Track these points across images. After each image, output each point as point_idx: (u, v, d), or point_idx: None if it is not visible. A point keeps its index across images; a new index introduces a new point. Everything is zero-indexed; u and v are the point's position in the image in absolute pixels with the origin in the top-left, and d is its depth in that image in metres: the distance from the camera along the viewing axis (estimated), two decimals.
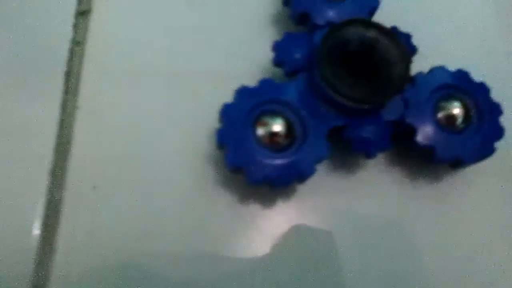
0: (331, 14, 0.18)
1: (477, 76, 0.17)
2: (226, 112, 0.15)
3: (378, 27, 0.16)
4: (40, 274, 0.15)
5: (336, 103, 0.16)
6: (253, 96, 0.16)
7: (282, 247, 0.16)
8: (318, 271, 0.16)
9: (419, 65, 0.18)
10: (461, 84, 0.17)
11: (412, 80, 0.17)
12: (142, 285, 0.15)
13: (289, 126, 0.16)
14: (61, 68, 0.17)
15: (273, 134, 0.16)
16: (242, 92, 0.16)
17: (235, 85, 0.16)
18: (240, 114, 0.15)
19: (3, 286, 0.15)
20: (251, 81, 0.16)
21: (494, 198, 0.18)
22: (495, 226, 0.18)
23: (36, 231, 0.15)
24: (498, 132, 0.17)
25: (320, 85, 0.16)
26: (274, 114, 0.16)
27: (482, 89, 0.17)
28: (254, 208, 0.17)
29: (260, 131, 0.15)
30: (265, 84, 0.16)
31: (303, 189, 0.17)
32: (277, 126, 0.16)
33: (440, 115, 0.17)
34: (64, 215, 0.16)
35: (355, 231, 0.17)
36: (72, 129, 0.16)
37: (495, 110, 0.17)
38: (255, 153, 0.15)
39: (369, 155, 0.16)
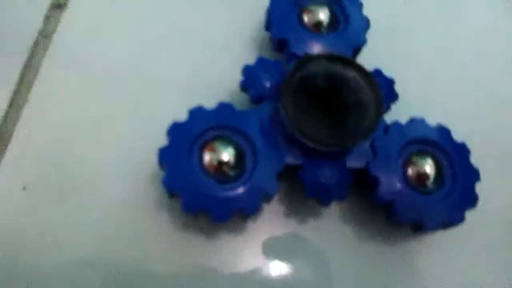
0: (311, 45, 0.16)
1: (459, 135, 0.16)
2: (174, 130, 0.14)
3: (355, 65, 0.15)
4: None
5: (295, 140, 0.14)
6: (207, 119, 0.15)
7: (213, 281, 0.15)
8: None
9: (400, 113, 0.16)
10: (439, 141, 0.16)
11: (387, 127, 0.16)
12: None
13: (239, 157, 0.14)
14: (22, 58, 0.17)
15: (220, 163, 0.14)
16: (196, 113, 0.15)
17: (194, 103, 0.15)
18: (189, 135, 0.14)
19: None
20: (213, 103, 0.15)
21: (458, 269, 0.16)
22: None
23: None
24: (471, 200, 0.15)
25: (281, 118, 0.15)
26: (226, 141, 0.14)
27: (461, 150, 0.16)
28: (191, 235, 0.15)
29: (207, 157, 0.14)
30: (223, 107, 0.15)
31: (248, 225, 0.15)
32: (226, 155, 0.14)
33: (410, 171, 0.15)
34: None
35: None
36: (16, 122, 0.15)
37: (472, 175, 0.15)
38: (195, 179, 0.14)
39: (323, 202, 0.15)
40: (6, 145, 0.15)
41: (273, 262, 0.15)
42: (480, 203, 0.15)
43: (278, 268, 0.15)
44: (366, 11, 0.17)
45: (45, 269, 0.14)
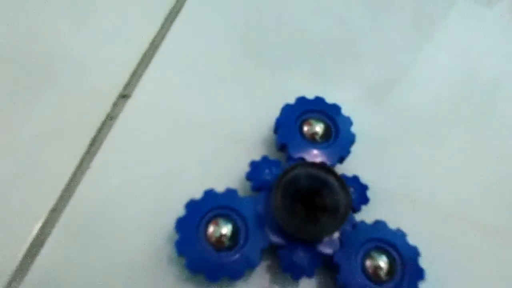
0: (305, 151, 0.21)
1: (413, 239, 0.20)
2: (190, 205, 0.19)
3: (333, 173, 0.20)
4: None
5: (279, 225, 0.19)
6: (216, 199, 0.20)
7: None
8: None
9: (368, 214, 0.20)
10: (395, 242, 0.20)
11: (355, 225, 0.20)
12: None
13: (235, 232, 0.19)
14: (91, 132, 0.22)
15: (221, 235, 0.19)
16: (209, 194, 0.20)
17: (209, 185, 0.20)
18: (200, 211, 0.19)
19: None
20: (223, 187, 0.20)
21: None
22: None
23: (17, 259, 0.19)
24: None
25: (271, 207, 0.19)
26: (227, 219, 0.19)
27: (412, 253, 0.19)
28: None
29: (211, 229, 0.19)
30: (229, 192, 0.20)
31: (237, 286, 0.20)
32: (225, 229, 0.19)
33: (368, 263, 0.19)
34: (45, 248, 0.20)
35: None
36: (78, 183, 0.21)
37: (418, 274, 0.19)
38: (199, 246, 0.19)
39: (294, 277, 0.19)
40: (70, 197, 0.21)
41: None
42: None
43: None
44: (357, 123, 0.22)
45: None
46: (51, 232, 0.20)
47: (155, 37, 0.26)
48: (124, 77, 0.24)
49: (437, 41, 0.28)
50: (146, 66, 0.25)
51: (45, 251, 0.20)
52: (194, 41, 0.26)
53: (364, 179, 0.21)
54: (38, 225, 0.20)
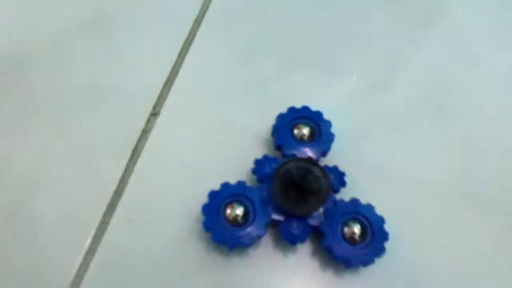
0: (296, 149, 0.28)
1: (380, 210, 0.26)
2: (211, 195, 0.26)
3: (317, 164, 0.26)
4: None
5: (278, 206, 0.26)
6: (230, 189, 0.26)
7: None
8: None
9: (347, 193, 0.27)
10: (366, 214, 0.26)
11: (336, 202, 0.26)
12: None
13: (246, 213, 0.26)
14: (131, 144, 0.29)
15: (235, 215, 0.26)
16: (225, 185, 0.26)
17: (225, 179, 0.27)
18: (219, 198, 0.26)
19: None
20: (235, 179, 0.27)
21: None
22: None
23: (87, 241, 0.26)
24: (380, 251, 0.25)
25: (272, 192, 0.26)
26: (239, 203, 0.26)
27: (380, 221, 0.26)
28: (218, 255, 0.26)
29: (228, 211, 0.26)
30: (240, 183, 0.26)
31: (249, 252, 0.26)
32: (239, 211, 0.26)
33: (345, 229, 0.26)
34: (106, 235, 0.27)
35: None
36: (126, 185, 0.28)
37: (384, 236, 0.26)
38: (220, 224, 0.25)
39: (292, 243, 0.26)
40: (120, 197, 0.28)
41: (263, 273, 0.26)
42: (386, 254, 0.25)
43: (266, 278, 0.26)
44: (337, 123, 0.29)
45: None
46: (110, 221, 0.27)
47: (175, 64, 0.33)
48: (153, 99, 0.31)
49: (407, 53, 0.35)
50: (169, 88, 0.32)
51: (107, 235, 0.26)
52: (206, 65, 0.33)
53: (341, 167, 0.28)
54: (100, 216, 0.27)
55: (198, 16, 0.35)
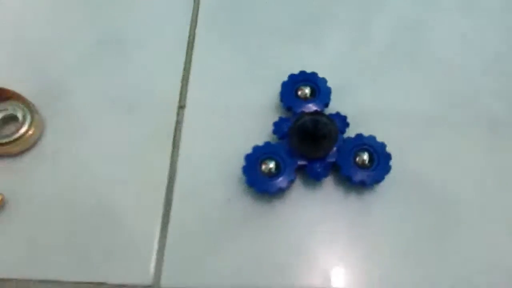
0: (303, 107, 0.34)
1: (380, 138, 0.33)
2: (248, 156, 0.32)
3: (324, 115, 0.33)
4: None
5: (300, 154, 0.32)
6: (261, 149, 0.33)
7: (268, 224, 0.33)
8: None
9: (353, 131, 0.34)
10: (371, 143, 0.33)
11: (344, 140, 0.33)
12: None
13: (277, 165, 0.32)
14: (170, 135, 0.36)
15: (269, 168, 0.32)
16: (256, 148, 0.33)
17: (256, 142, 0.33)
18: (254, 157, 0.32)
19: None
20: (262, 141, 0.33)
21: (391, 205, 0.33)
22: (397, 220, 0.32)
23: (156, 233, 0.33)
24: (387, 169, 0.32)
25: (292, 144, 0.32)
26: (270, 158, 0.32)
27: (382, 146, 0.33)
28: (257, 200, 0.33)
29: (263, 166, 0.32)
30: (267, 143, 0.33)
31: (289, 197, 0.33)
32: (271, 164, 0.32)
33: (357, 158, 0.32)
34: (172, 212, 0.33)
35: (315, 219, 0.33)
36: (176, 168, 0.34)
37: (388, 157, 0.32)
38: (257, 175, 0.32)
39: (318, 180, 0.32)
40: (174, 179, 0.34)
41: (299, 209, 0.33)
42: (392, 171, 0.32)
43: (300, 214, 0.33)
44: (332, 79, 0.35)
45: None
46: (173, 197, 0.33)
47: (185, 63, 0.39)
48: (177, 95, 0.37)
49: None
50: (187, 83, 0.38)
51: (174, 208, 0.33)
52: (210, 58, 0.39)
53: (343, 113, 0.34)
54: (163, 194, 0.34)
55: (192, 20, 0.41)
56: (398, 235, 0.32)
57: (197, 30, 0.40)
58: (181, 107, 0.37)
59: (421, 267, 0.32)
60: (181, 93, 0.38)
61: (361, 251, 0.32)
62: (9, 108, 0.35)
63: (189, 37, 0.40)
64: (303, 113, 0.33)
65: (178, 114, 0.37)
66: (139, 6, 0.41)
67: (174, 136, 0.36)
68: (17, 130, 0.34)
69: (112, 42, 0.40)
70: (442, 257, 0.32)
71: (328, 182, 0.33)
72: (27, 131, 0.34)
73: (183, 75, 0.38)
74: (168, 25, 0.41)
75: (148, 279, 0.31)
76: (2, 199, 0.33)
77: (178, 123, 0.36)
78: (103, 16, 0.41)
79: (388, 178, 0.32)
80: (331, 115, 0.34)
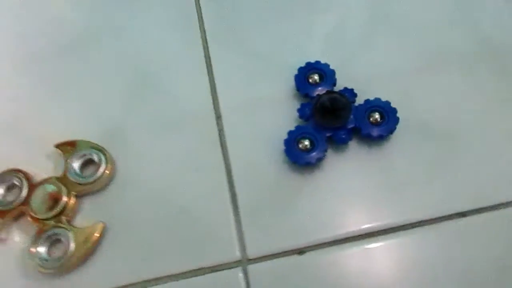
0: (316, 91, 0.42)
1: (384, 98, 0.41)
2: (287, 138, 0.41)
3: (337, 92, 0.41)
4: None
5: (325, 127, 0.40)
6: (294, 132, 0.41)
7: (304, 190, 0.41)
8: None
9: (363, 98, 0.42)
10: (378, 104, 0.41)
11: (355, 107, 0.41)
12: None
13: (311, 142, 0.40)
14: (216, 143, 0.43)
15: (305, 145, 0.40)
16: (290, 132, 0.41)
17: (289, 127, 0.41)
18: (291, 138, 0.41)
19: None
20: (291, 124, 0.41)
21: (406, 147, 0.41)
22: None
23: (230, 215, 0.41)
24: (396, 121, 0.40)
25: (318, 121, 0.40)
26: (305, 137, 0.41)
27: (387, 104, 0.41)
28: (297, 173, 0.41)
29: (300, 144, 0.40)
30: (297, 127, 0.41)
31: (326, 164, 0.41)
32: (306, 142, 0.40)
33: (371, 119, 0.41)
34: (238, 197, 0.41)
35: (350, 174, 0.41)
36: (230, 163, 0.42)
37: (394, 111, 0.41)
38: (296, 151, 0.40)
39: (345, 143, 0.41)
40: (231, 175, 0.42)
41: (336, 171, 0.41)
42: (401, 121, 0.40)
43: (338, 174, 0.41)
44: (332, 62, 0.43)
45: None
46: (235, 185, 0.41)
47: (209, 79, 0.46)
48: (211, 107, 0.45)
49: None
50: (216, 95, 0.46)
51: (238, 193, 0.41)
52: (228, 69, 0.47)
53: (349, 86, 0.42)
54: (226, 185, 0.42)
55: (203, 40, 0.48)
56: (416, 167, 0.41)
57: (210, 49, 0.48)
58: (219, 116, 0.45)
59: (440, 187, 0.40)
60: (214, 105, 0.45)
61: (390, 188, 0.40)
62: (86, 153, 0.42)
63: (205, 56, 0.48)
64: (319, 95, 0.42)
65: (217, 123, 0.44)
66: (158, 47, 0.49)
67: (220, 140, 0.44)
68: (96, 171, 0.42)
69: (145, 78, 0.47)
70: (453, 177, 0.40)
71: (353, 144, 0.42)
72: (104, 170, 0.42)
73: (211, 90, 0.46)
74: (184, 52, 0.48)
75: (237, 255, 0.40)
76: (104, 226, 0.40)
77: (220, 130, 0.44)
78: (133, 60, 0.49)
79: (399, 127, 0.41)
80: (341, 91, 0.42)
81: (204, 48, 0.48)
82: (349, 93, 0.42)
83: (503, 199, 0.40)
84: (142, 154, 0.44)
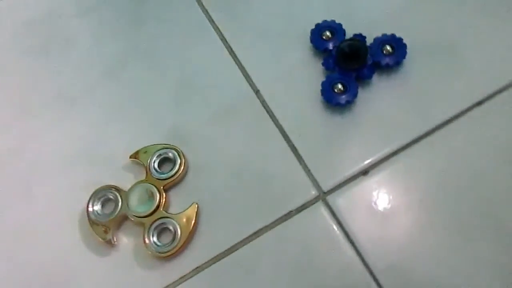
0: (331, 44, 0.50)
1: (388, 32, 0.49)
2: (323, 83, 0.48)
3: (353, 38, 0.49)
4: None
5: (350, 69, 0.48)
6: (327, 79, 0.49)
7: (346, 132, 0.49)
8: None
9: (371, 38, 0.50)
10: (387, 38, 0.49)
11: (369, 47, 0.49)
12: None
13: (344, 86, 0.48)
14: (262, 109, 0.51)
15: (339, 89, 0.48)
16: (323, 82, 0.49)
17: (319, 77, 0.49)
18: (328, 82, 0.48)
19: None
20: (319, 77, 0.49)
21: (418, 67, 0.49)
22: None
23: (296, 163, 0.48)
24: (405, 47, 0.48)
25: (343, 66, 0.48)
26: (339, 82, 0.48)
27: (393, 36, 0.49)
28: (332, 109, 0.49)
29: (335, 89, 0.48)
30: (329, 76, 0.49)
31: (360, 99, 0.49)
32: (340, 86, 0.48)
33: (384, 51, 0.49)
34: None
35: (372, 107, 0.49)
36: (279, 121, 0.50)
37: (400, 40, 0.49)
38: (332, 93, 0.48)
39: (369, 78, 0.49)
40: (283, 128, 0.49)
41: (369, 102, 0.49)
42: (409, 52, 0.48)
43: (371, 101, 0.49)
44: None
45: None
46: (289, 137, 0.49)
47: (238, 65, 0.53)
48: (247, 86, 0.52)
49: None
50: (248, 75, 0.53)
51: (293, 141, 0.49)
52: (251, 49, 0.54)
53: (357, 32, 0.50)
54: (282, 139, 0.49)
55: (219, 34, 0.56)
56: (428, 82, 0.49)
57: (230, 43, 0.55)
58: (257, 91, 0.52)
59: (456, 86, 0.49)
60: (249, 83, 0.52)
61: (410, 100, 0.49)
62: (161, 153, 0.49)
63: (226, 47, 0.55)
64: (337, 46, 0.49)
65: (258, 97, 0.52)
66: (191, 53, 0.56)
67: (265, 109, 0.51)
68: (174, 165, 0.49)
69: (186, 80, 0.54)
70: (464, 75, 0.49)
71: (376, 78, 0.50)
72: (181, 163, 0.49)
73: (242, 72, 0.53)
74: (210, 52, 0.55)
75: (314, 193, 0.47)
76: (198, 206, 0.47)
77: (263, 101, 0.51)
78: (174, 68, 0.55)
79: (408, 57, 0.49)
80: (354, 35, 0.50)
81: (221, 39, 0.55)
82: (360, 37, 0.50)
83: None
84: (205, 142, 0.51)
